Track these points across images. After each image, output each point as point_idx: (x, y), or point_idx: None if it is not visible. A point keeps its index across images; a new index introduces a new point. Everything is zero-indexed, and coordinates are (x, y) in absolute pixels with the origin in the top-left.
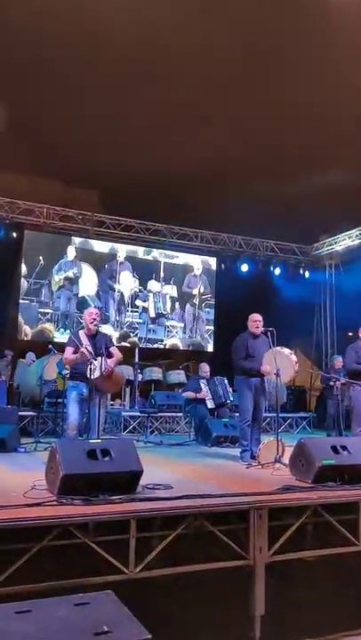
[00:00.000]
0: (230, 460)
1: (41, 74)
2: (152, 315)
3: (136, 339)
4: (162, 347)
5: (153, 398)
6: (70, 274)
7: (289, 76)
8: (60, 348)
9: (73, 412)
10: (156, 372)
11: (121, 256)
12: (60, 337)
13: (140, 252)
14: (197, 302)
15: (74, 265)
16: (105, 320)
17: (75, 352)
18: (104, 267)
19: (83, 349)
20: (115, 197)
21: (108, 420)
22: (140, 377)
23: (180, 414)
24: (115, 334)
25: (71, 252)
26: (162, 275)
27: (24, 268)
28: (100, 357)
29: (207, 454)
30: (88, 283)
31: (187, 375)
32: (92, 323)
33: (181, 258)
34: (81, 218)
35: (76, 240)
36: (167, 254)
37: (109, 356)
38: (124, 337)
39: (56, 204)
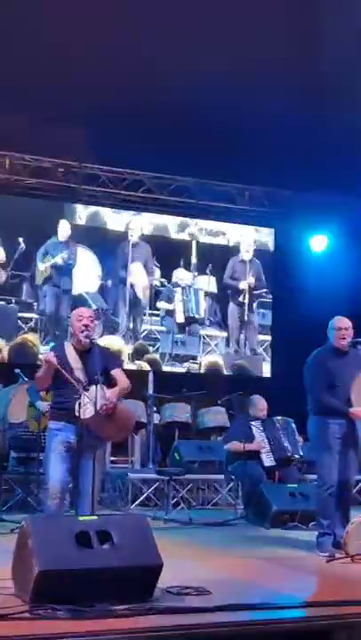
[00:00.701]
0: (302, 550)
1: None
2: (180, 319)
3: (157, 355)
4: (194, 368)
5: (177, 451)
6: (59, 259)
7: None
8: (33, 372)
9: (54, 471)
10: (181, 410)
11: (134, 233)
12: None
13: (160, 224)
14: (247, 301)
15: (65, 248)
16: (111, 328)
17: (54, 375)
18: (111, 250)
19: (48, 356)
20: (112, 139)
21: (109, 486)
22: (157, 417)
23: (221, 477)
24: (126, 350)
25: (64, 230)
26: (194, 260)
27: None
28: (94, 386)
29: (264, 540)
30: (87, 274)
31: (230, 415)
32: (82, 332)
33: (220, 235)
34: (62, 171)
35: (73, 210)
36: (201, 228)
37: (110, 383)
38: (139, 353)
39: (25, 151)
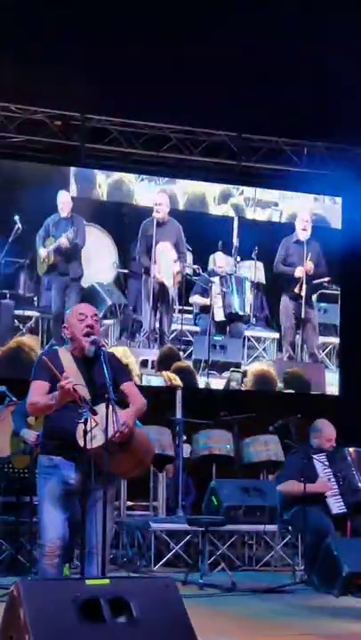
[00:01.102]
0: None
1: None
2: (219, 317)
3: (190, 363)
4: (235, 380)
5: (215, 494)
6: (64, 240)
7: None
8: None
9: (51, 522)
10: (220, 440)
11: (160, 208)
12: None
13: (193, 195)
14: (304, 293)
15: (69, 224)
16: (131, 329)
17: (51, 389)
18: (130, 230)
19: (65, 383)
20: (125, 80)
21: (125, 540)
22: (187, 449)
23: (273, 527)
24: (151, 355)
25: (64, 201)
26: (235, 242)
27: None
28: (103, 405)
29: (332, 612)
30: (100, 260)
31: (285, 445)
32: (84, 333)
33: (270, 207)
34: (60, 125)
35: (77, 178)
36: (246, 198)
37: (120, 402)
38: (166, 361)
39: (10, 100)
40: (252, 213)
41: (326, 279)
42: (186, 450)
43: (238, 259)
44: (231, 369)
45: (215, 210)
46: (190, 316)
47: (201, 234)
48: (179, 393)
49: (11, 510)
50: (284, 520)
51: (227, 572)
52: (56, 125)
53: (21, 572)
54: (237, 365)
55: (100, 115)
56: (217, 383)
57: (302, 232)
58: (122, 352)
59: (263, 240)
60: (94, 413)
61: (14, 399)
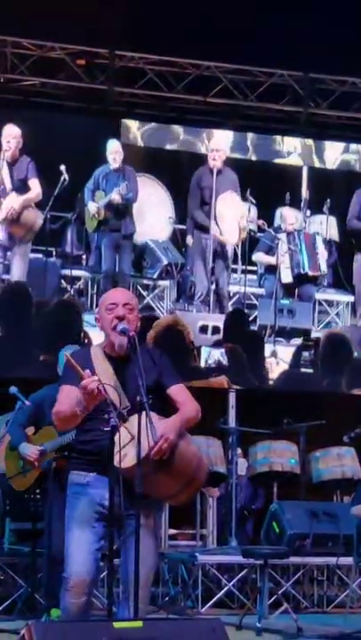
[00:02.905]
0: None
1: None
2: (286, 279)
3: (255, 328)
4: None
5: (277, 520)
6: (116, 196)
7: None
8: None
9: (79, 549)
10: (283, 453)
11: (217, 155)
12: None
13: (255, 144)
14: None
15: (120, 177)
16: (189, 292)
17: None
18: (186, 180)
19: (88, 381)
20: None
21: (167, 576)
22: (243, 464)
23: (349, 560)
24: (210, 321)
25: (115, 152)
26: (304, 194)
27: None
28: (138, 414)
29: None
30: (154, 213)
31: None
32: (113, 326)
33: (342, 156)
34: (84, 64)
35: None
36: (316, 147)
37: (164, 408)
38: (234, 326)
39: (21, 35)
40: (321, 163)
41: None
42: (241, 465)
43: (308, 213)
44: (302, 338)
45: (280, 159)
46: (254, 277)
47: (266, 186)
48: (232, 395)
49: (25, 540)
50: None
51: (291, 615)
52: (78, 65)
53: (38, 614)
54: (307, 332)
55: (132, 52)
56: (284, 352)
57: None
58: (172, 320)
59: (335, 194)
60: (124, 420)
61: (27, 402)
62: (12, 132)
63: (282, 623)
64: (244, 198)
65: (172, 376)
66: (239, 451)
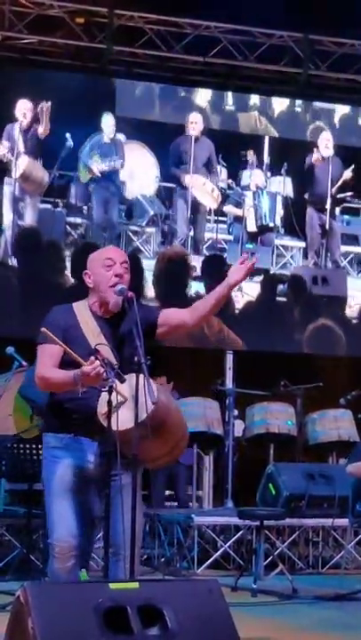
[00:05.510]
0: None
1: None
2: (251, 228)
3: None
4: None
5: (273, 481)
6: (106, 167)
7: None
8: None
9: (61, 514)
10: (279, 415)
11: (195, 123)
12: None
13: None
14: (328, 206)
15: (112, 151)
16: (171, 238)
17: (66, 362)
18: (167, 145)
19: (90, 368)
20: None
21: (163, 537)
22: (240, 426)
23: (345, 522)
24: (194, 261)
25: (108, 126)
26: (266, 158)
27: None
28: (135, 374)
29: None
30: (143, 174)
31: (359, 422)
32: (112, 284)
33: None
34: (82, 23)
35: (111, 89)
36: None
37: (154, 367)
38: (211, 263)
39: None
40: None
41: (350, 193)
42: (238, 427)
43: (269, 174)
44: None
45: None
46: (224, 226)
47: (234, 149)
48: (229, 357)
49: (21, 501)
50: (357, 513)
51: (286, 576)
52: (77, 23)
53: (35, 575)
54: (267, 271)
55: (131, 10)
56: (248, 287)
57: (326, 143)
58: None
59: (292, 156)
60: (121, 380)
61: (24, 363)
62: (28, 106)
63: (277, 584)
64: (217, 162)
65: (155, 310)
66: (236, 412)
